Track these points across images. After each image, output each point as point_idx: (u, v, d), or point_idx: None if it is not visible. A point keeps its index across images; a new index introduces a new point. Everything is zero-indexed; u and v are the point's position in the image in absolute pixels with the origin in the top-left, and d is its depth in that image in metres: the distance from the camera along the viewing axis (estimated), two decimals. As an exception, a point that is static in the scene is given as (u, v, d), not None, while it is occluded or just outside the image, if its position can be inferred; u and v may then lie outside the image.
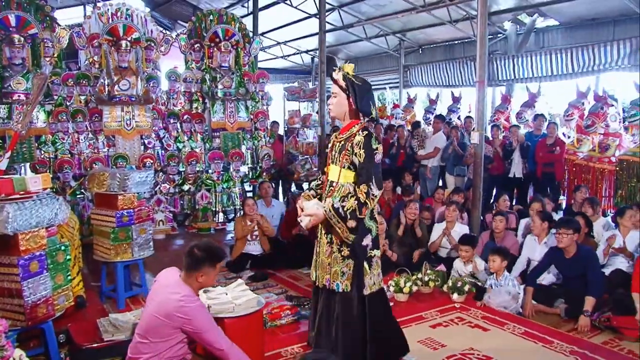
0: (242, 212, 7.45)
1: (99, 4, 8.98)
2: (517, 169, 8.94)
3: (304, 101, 13.54)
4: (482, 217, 7.35)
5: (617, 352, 4.34)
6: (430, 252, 6.66)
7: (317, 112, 11.36)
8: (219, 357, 3.26)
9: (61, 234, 4.40)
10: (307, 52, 18.20)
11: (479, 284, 5.61)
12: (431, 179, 9.73)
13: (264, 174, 9.61)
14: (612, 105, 8.17)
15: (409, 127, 10.97)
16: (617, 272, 5.47)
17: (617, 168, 7.72)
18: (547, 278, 5.55)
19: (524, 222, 6.83)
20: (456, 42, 14.30)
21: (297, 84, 12.85)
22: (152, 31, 8.61)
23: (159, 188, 8.61)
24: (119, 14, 8.20)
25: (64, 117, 7.95)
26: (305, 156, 10.75)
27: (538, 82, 11.36)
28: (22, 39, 7.44)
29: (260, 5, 13.61)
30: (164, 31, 9.12)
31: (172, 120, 8.97)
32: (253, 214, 6.94)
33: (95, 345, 3.88)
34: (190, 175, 9.01)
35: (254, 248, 6.99)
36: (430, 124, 10.80)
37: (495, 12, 11.68)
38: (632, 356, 4.27)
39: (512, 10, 11.73)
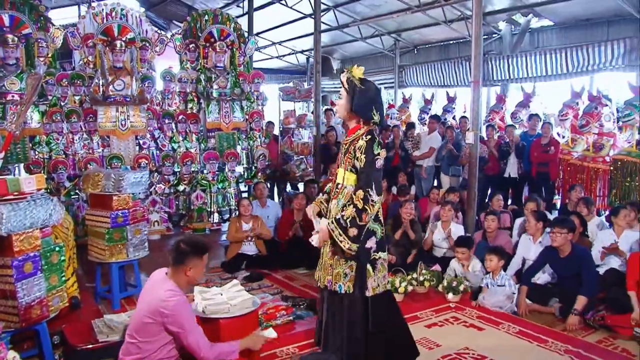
0: (237, 213, 7.44)
1: (93, 4, 8.95)
2: (512, 169, 8.97)
3: (299, 101, 13.57)
4: (477, 217, 7.37)
5: (611, 350, 4.36)
6: (425, 251, 6.67)
7: (312, 112, 11.38)
8: None
9: (55, 235, 4.38)
10: (302, 52, 18.20)
11: (470, 285, 5.62)
12: (426, 179, 9.75)
13: (259, 174, 9.61)
14: (606, 105, 8.21)
15: (404, 128, 10.99)
16: (611, 271, 5.49)
17: (611, 168, 7.76)
18: (542, 277, 5.56)
19: (519, 221, 6.85)
20: (451, 42, 14.32)
21: (293, 84, 12.88)
22: (147, 31, 8.59)
23: (154, 188, 8.59)
24: (113, 14, 8.18)
25: (58, 118, 7.93)
26: (301, 156, 10.76)
27: (533, 82, 11.40)
28: (15, 38, 7.42)
29: (255, 5, 13.60)
30: (158, 31, 9.11)
31: (167, 121, 8.95)
32: (249, 215, 6.94)
33: (90, 346, 3.85)
34: (185, 176, 8.99)
35: (249, 248, 6.99)
36: (425, 124, 10.81)
37: (490, 12, 11.70)
38: (626, 355, 4.28)
39: (507, 11, 11.76)
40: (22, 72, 7.44)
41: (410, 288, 5.54)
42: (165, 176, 8.80)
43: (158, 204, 8.55)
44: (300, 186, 10.19)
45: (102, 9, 8.14)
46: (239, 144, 9.50)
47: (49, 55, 7.93)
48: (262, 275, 6.48)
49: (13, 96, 7.28)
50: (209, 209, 9.06)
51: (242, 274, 6.53)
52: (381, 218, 3.69)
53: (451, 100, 11.77)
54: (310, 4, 12.78)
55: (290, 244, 7.15)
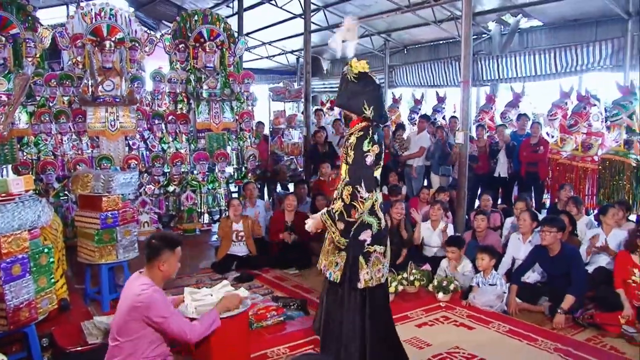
0: (227, 213, 7.43)
1: (82, 4, 8.89)
2: (502, 168, 9.01)
3: (289, 101, 13.57)
4: (467, 217, 7.39)
5: (600, 348, 4.40)
6: (415, 251, 6.69)
7: (302, 113, 11.36)
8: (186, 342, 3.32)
9: (44, 237, 4.35)
10: (292, 52, 18.20)
11: (461, 285, 5.64)
12: (416, 179, 9.77)
13: (249, 174, 9.59)
14: (595, 105, 8.26)
15: (394, 128, 11.00)
16: (599, 270, 5.55)
17: (600, 167, 7.80)
18: (532, 277, 5.60)
19: (509, 220, 6.88)
20: (441, 42, 14.38)
21: (283, 84, 12.88)
22: (136, 31, 8.54)
23: (144, 189, 8.55)
24: (102, 13, 8.12)
25: (47, 118, 7.87)
26: (291, 157, 10.75)
27: (522, 82, 11.46)
28: (3, 38, 7.34)
29: (245, 5, 13.59)
30: (148, 31, 9.04)
31: (156, 121, 8.91)
32: (239, 215, 6.94)
33: (80, 348, 3.83)
34: (175, 176, 8.96)
35: (240, 249, 6.98)
36: (415, 124, 10.84)
37: (479, 12, 11.75)
38: (614, 352, 4.33)
39: (496, 11, 11.82)
40: (10, 72, 7.36)
41: (400, 288, 5.55)
42: (155, 177, 8.76)
43: (148, 205, 8.52)
44: (291, 186, 10.18)
45: (91, 9, 8.08)
46: (229, 145, 9.48)
47: (37, 56, 7.87)
48: (252, 276, 6.47)
49: (1, 97, 7.20)
50: (199, 210, 9.04)
51: (233, 274, 6.52)
52: (378, 211, 3.68)
53: (441, 100, 11.79)
54: (300, 4, 12.77)
55: (280, 244, 7.15)
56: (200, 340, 3.41)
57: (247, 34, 14.74)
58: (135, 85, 8.40)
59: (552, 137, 9.02)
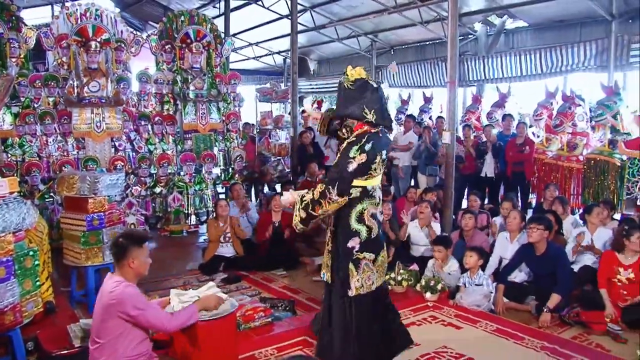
0: (214, 214, 7.41)
1: (67, 4, 8.83)
2: (488, 168, 9.05)
3: (276, 102, 13.55)
4: (454, 217, 7.42)
5: (586, 346, 4.44)
6: (403, 251, 6.70)
7: (289, 114, 11.36)
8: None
9: (29, 239, 4.32)
10: (279, 53, 18.19)
11: (448, 285, 5.66)
12: (403, 179, 9.80)
13: (237, 175, 9.57)
14: (580, 105, 8.33)
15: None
16: (585, 269, 5.59)
17: (585, 166, 7.87)
18: (519, 277, 5.63)
19: (496, 221, 6.92)
20: (427, 42, 14.42)
21: (269, 85, 12.86)
22: (122, 32, 8.50)
23: (131, 191, 8.49)
24: (88, 14, 8.07)
25: (32, 120, 7.81)
26: (278, 157, 10.74)
27: (508, 83, 11.54)
28: (-14, 39, 7.29)
29: (231, 6, 13.55)
30: (134, 32, 9.02)
31: (143, 122, 8.88)
32: (226, 216, 6.93)
33: (65, 352, 3.81)
34: (162, 178, 8.92)
35: (227, 250, 6.95)
36: (401, 124, 10.87)
37: (465, 13, 11.81)
38: (600, 350, 4.36)
39: (482, 12, 11.88)
40: (-6, 73, 7.31)
41: (388, 288, 5.55)
42: (142, 178, 8.72)
43: (134, 207, 8.45)
44: (278, 187, 10.17)
45: (76, 9, 8.03)
46: (215, 146, 9.45)
47: (22, 56, 7.81)
48: (240, 277, 6.45)
49: (-16, 98, 7.15)
50: (186, 211, 8.99)
51: (220, 275, 6.50)
52: (367, 220, 3.69)
53: (428, 100, 11.84)
54: (287, 4, 12.77)
55: (268, 245, 7.14)
56: (188, 342, 3.39)
57: (234, 35, 14.71)
58: (122, 86, 8.36)
59: (538, 137, 9.09)
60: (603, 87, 8.38)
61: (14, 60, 7.67)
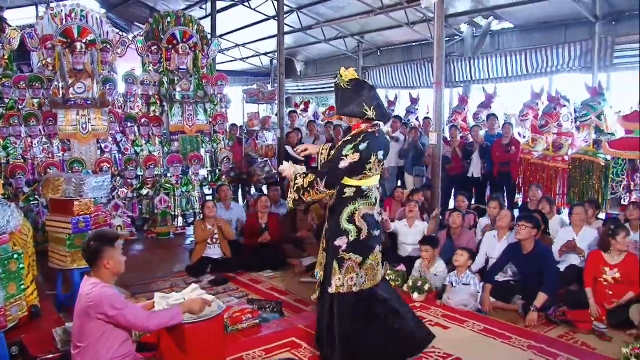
0: (201, 216, 7.39)
1: (52, 5, 8.74)
2: (475, 169, 9.10)
3: (263, 103, 13.50)
4: (441, 217, 7.44)
5: (572, 344, 4.47)
6: (390, 251, 6.70)
7: (276, 115, 11.34)
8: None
9: (14, 242, 4.27)
10: (265, 54, 18.18)
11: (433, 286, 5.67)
12: (389, 179, 9.82)
13: (224, 177, 9.54)
14: (565, 106, 8.40)
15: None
16: (571, 268, 5.64)
17: (570, 167, 7.94)
18: (504, 276, 5.66)
19: (482, 221, 6.96)
20: (414, 44, 14.48)
21: (256, 86, 12.79)
22: (108, 33, 8.45)
23: (117, 193, 8.44)
24: (73, 15, 8.00)
25: (16, 121, 7.74)
26: (265, 159, 10.71)
27: (494, 84, 11.60)
28: (-31, 40, 7.21)
29: (218, 7, 13.52)
30: (120, 33, 8.95)
31: (129, 124, 8.83)
32: (213, 217, 6.90)
33: (51, 356, 3.77)
34: (148, 180, 8.87)
35: (214, 252, 6.93)
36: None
37: (452, 14, 11.87)
38: (586, 348, 4.40)
39: (469, 13, 11.95)
40: (-23, 74, 7.24)
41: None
42: (128, 180, 8.67)
43: (121, 209, 8.41)
44: (265, 189, 10.16)
45: (61, 10, 7.96)
46: (202, 147, 9.42)
47: (5, 57, 7.73)
48: (227, 279, 6.44)
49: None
50: (173, 213, 8.96)
51: (207, 277, 6.48)
52: (357, 221, 3.70)
53: (414, 101, 11.88)
54: (274, 6, 12.77)
55: (255, 247, 7.12)
56: (175, 344, 3.37)
57: (221, 36, 14.66)
58: (107, 88, 8.31)
59: (524, 137, 9.15)
60: (587, 88, 8.45)
61: (-3, 61, 7.60)
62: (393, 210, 7.38)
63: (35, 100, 7.97)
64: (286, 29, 12.11)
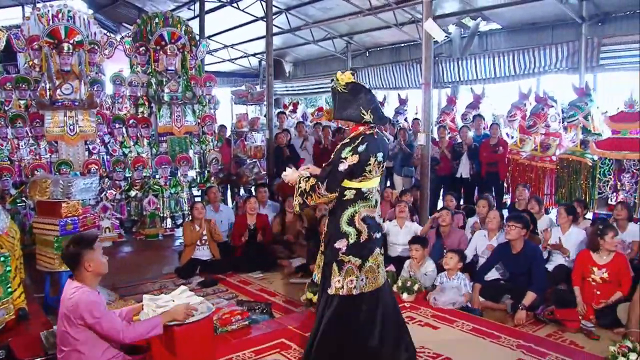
0: (190, 217, 7.36)
1: (38, 5, 8.69)
2: (464, 169, 9.14)
3: (252, 104, 13.48)
4: (430, 217, 7.46)
5: (560, 343, 4.51)
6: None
7: (265, 116, 11.33)
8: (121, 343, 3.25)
9: (0, 245, 4.24)
10: (254, 55, 18.15)
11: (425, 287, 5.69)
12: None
13: (212, 178, 9.51)
14: (552, 106, 8.45)
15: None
16: (559, 268, 5.69)
17: (558, 167, 7.99)
18: (492, 275, 5.69)
19: (471, 220, 6.99)
20: (402, 44, 14.51)
21: (245, 87, 12.76)
22: (95, 34, 8.40)
23: (105, 194, 8.39)
24: (60, 15, 7.95)
25: (2, 123, 7.69)
26: (254, 160, 10.70)
27: (482, 84, 11.65)
28: (-46, 41, 7.14)
29: (206, 8, 13.49)
30: (107, 34, 8.90)
31: (117, 125, 8.79)
32: (202, 218, 6.89)
33: (38, 359, 3.74)
34: (137, 181, 8.83)
35: (203, 253, 6.91)
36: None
37: (440, 15, 11.89)
38: (574, 347, 4.44)
39: (457, 14, 11.99)
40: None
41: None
42: (116, 182, 8.62)
43: (109, 210, 8.35)
44: (254, 190, 10.13)
45: (48, 10, 7.91)
46: (191, 148, 9.39)
47: (-9, 58, 7.67)
48: (216, 280, 6.42)
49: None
50: (161, 215, 8.92)
51: (197, 279, 6.46)
52: (357, 223, 3.69)
53: (403, 102, 11.92)
54: (262, 7, 12.76)
55: (244, 248, 7.11)
56: (165, 346, 3.35)
57: (209, 37, 14.63)
58: (95, 89, 8.26)
59: (512, 137, 9.21)
60: (574, 89, 8.52)
61: (-17, 62, 7.53)
62: (382, 211, 7.38)
63: (22, 102, 7.91)
64: (275, 29, 12.11)
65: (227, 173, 10.28)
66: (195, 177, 9.67)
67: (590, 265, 5.08)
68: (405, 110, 11.85)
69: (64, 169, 7.83)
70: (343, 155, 3.56)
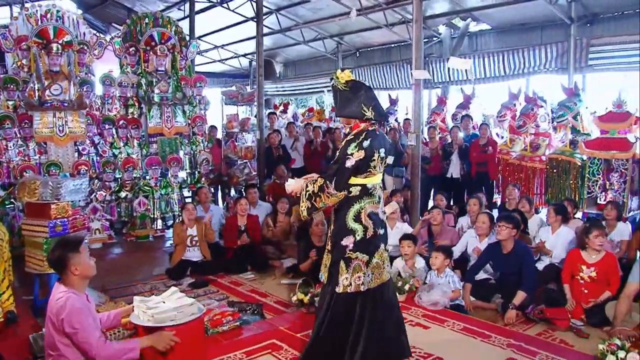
0: (180, 218, 7.34)
1: (26, 5, 8.61)
2: (454, 169, 9.17)
3: (242, 105, 13.48)
4: (420, 217, 7.49)
5: (550, 342, 4.54)
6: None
7: (255, 116, 11.32)
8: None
9: (-11, 246, 4.21)
10: (244, 55, 18.11)
11: (420, 280, 5.70)
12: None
13: (203, 179, 9.49)
14: (542, 107, 8.50)
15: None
16: (549, 267, 5.73)
17: (547, 166, 8.04)
18: (480, 275, 5.72)
19: (462, 220, 7.01)
20: (393, 45, 14.53)
21: (235, 87, 12.76)
22: (84, 34, 8.35)
23: (95, 196, 8.34)
24: (48, 15, 7.89)
25: (-10, 124, 7.62)
26: (244, 160, 10.70)
27: (472, 84, 11.69)
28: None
29: (196, 8, 13.45)
30: (97, 34, 8.85)
31: (107, 126, 8.74)
32: (193, 219, 6.87)
33: (28, 361, 3.73)
34: (127, 182, 8.79)
35: (194, 254, 6.89)
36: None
37: (430, 16, 11.94)
38: (564, 345, 4.47)
39: (447, 15, 12.03)
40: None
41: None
42: (106, 183, 8.58)
43: (99, 212, 8.31)
44: (245, 191, 10.13)
45: (36, 10, 7.84)
46: (181, 149, 9.36)
47: (-22, 59, 7.60)
48: (207, 282, 6.40)
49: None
50: (152, 216, 8.89)
51: (187, 280, 6.44)
52: (364, 220, 3.69)
53: (393, 102, 11.94)
54: (253, 7, 12.73)
55: (235, 249, 7.10)
56: (155, 348, 3.33)
57: (199, 37, 14.59)
58: (85, 89, 8.20)
59: (502, 137, 9.24)
60: (564, 89, 8.57)
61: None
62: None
63: (10, 102, 7.84)
64: (265, 30, 12.09)
65: (217, 174, 10.26)
66: (185, 178, 9.64)
67: (579, 263, 5.12)
68: (396, 110, 11.86)
69: (53, 170, 7.77)
70: (349, 152, 3.58)
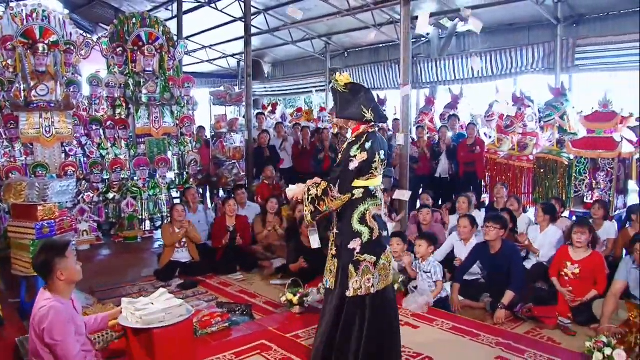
0: (169, 219, 7.31)
1: (12, 4, 8.52)
2: (443, 169, 9.21)
3: (231, 105, 13.44)
4: (409, 217, 7.51)
5: (539, 340, 4.57)
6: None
7: (244, 117, 11.29)
8: None
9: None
10: (232, 55, 18.08)
11: (411, 279, 5.72)
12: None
13: (191, 179, 9.46)
14: (529, 107, 8.56)
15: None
16: (537, 266, 5.76)
17: (535, 166, 8.09)
18: (467, 275, 5.75)
19: (453, 218, 7.03)
20: (381, 45, 14.57)
21: (223, 88, 12.70)
22: (71, 34, 8.29)
23: (82, 197, 8.29)
24: (34, 15, 7.83)
25: (-24, 125, 7.55)
26: (233, 161, 10.66)
27: (460, 84, 11.75)
28: None
29: (184, 8, 13.39)
30: (84, 34, 8.79)
31: (94, 127, 8.70)
32: (182, 221, 6.83)
33: (15, 365, 3.69)
34: (114, 183, 8.75)
35: (183, 255, 6.86)
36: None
37: (418, 16, 11.95)
38: (551, 343, 4.51)
39: (435, 15, 12.05)
40: None
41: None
42: (94, 184, 8.53)
43: (87, 213, 8.26)
44: (233, 192, 10.10)
45: (22, 10, 7.77)
46: (169, 150, 9.33)
47: (-37, 59, 7.52)
48: (196, 283, 6.37)
49: None
50: (140, 217, 8.85)
51: (176, 281, 6.41)
52: (369, 221, 3.69)
53: (381, 102, 11.96)
54: (241, 7, 12.72)
55: (224, 250, 7.08)
56: (144, 349, 3.32)
57: (187, 38, 14.54)
58: (71, 90, 8.16)
59: (490, 137, 9.29)
60: (550, 89, 8.63)
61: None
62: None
63: (-5, 103, 7.78)
64: (253, 30, 12.08)
65: (206, 174, 10.23)
66: (174, 179, 9.62)
67: (565, 259, 5.16)
68: (385, 110, 11.89)
69: (40, 172, 7.71)
70: (352, 154, 3.58)
